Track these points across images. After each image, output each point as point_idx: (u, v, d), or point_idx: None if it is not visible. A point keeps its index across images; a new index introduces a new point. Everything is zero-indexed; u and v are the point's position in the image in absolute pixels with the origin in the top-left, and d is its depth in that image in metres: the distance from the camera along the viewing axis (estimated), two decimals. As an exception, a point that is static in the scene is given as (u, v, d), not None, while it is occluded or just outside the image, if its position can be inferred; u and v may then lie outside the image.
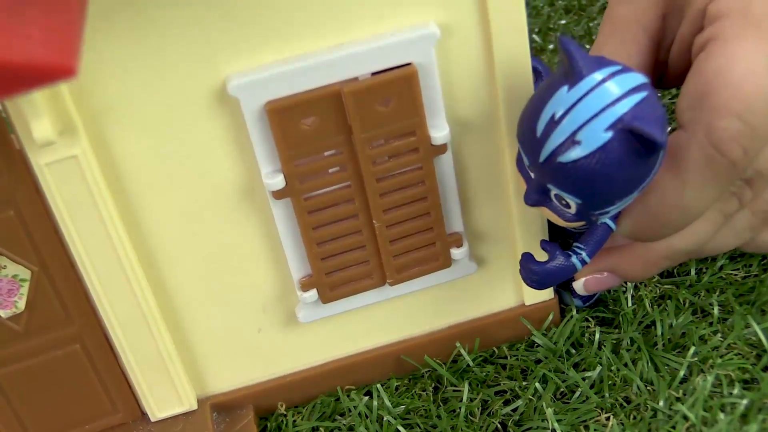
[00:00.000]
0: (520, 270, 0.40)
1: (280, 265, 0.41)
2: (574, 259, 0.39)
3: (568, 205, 0.36)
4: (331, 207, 0.39)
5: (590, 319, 0.46)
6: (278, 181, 0.37)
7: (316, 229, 0.39)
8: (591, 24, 0.64)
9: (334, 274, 0.41)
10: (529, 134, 0.35)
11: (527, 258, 0.39)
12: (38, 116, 0.33)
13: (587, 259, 0.39)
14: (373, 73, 0.36)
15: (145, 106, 0.36)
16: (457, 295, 0.44)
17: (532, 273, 0.39)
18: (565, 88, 0.34)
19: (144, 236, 0.39)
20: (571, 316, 0.45)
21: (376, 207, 0.39)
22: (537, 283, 0.39)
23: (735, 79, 0.37)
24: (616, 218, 0.39)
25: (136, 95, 0.35)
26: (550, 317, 0.45)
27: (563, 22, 0.66)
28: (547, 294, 0.45)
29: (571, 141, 0.33)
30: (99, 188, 0.36)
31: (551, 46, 0.63)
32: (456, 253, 0.41)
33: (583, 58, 0.34)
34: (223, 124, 0.37)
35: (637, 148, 0.33)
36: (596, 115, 0.33)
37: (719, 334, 0.44)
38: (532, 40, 0.64)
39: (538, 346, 0.45)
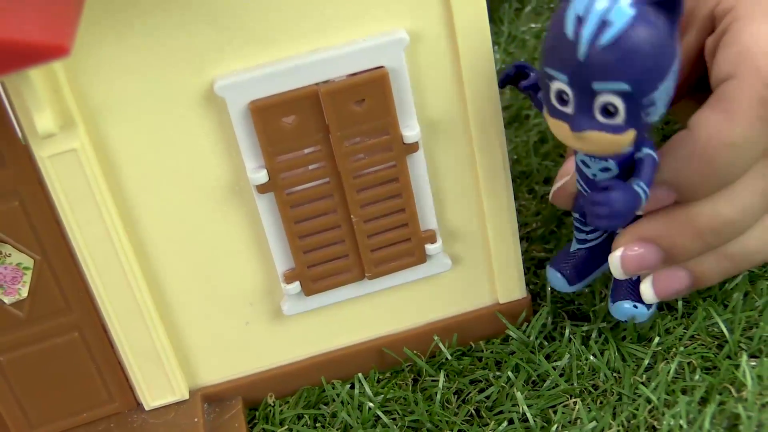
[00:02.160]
0: (587, 209, 0.40)
1: (266, 260, 0.45)
2: (635, 186, 0.39)
3: (615, 111, 0.37)
4: (312, 202, 0.43)
5: (562, 314, 0.49)
6: (262, 176, 0.41)
7: (298, 223, 0.43)
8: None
9: (315, 268, 0.44)
10: (562, 44, 0.37)
11: (591, 194, 0.40)
12: (41, 109, 0.37)
13: (645, 188, 0.39)
14: (348, 76, 0.40)
15: (139, 104, 0.40)
16: (434, 292, 0.47)
17: (597, 205, 0.39)
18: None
19: (138, 230, 0.43)
20: (544, 312, 0.48)
21: (354, 202, 0.43)
22: (606, 217, 0.39)
23: (765, 35, 0.41)
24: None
25: (131, 94, 0.39)
26: (524, 314, 0.48)
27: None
28: (520, 292, 0.48)
29: (603, 24, 0.36)
30: (97, 181, 0.40)
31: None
32: (430, 248, 0.45)
33: None
34: (211, 123, 0.41)
35: (661, 15, 0.36)
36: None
37: (683, 326, 0.47)
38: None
39: (513, 339, 0.48)
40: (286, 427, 0.46)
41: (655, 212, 0.43)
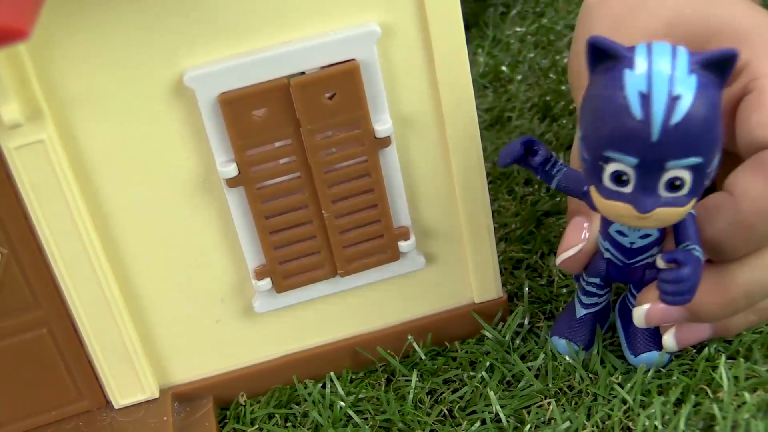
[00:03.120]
0: (661, 293, 0.39)
1: (237, 257, 0.44)
2: (696, 253, 0.39)
3: (681, 185, 0.36)
4: (283, 197, 0.43)
5: (539, 314, 0.49)
6: (231, 170, 0.41)
7: (269, 218, 0.43)
8: (557, 57, 0.69)
9: (287, 264, 0.44)
10: (627, 125, 0.35)
11: (664, 273, 0.39)
12: (7, 100, 0.37)
13: (700, 249, 0.39)
14: (320, 68, 0.40)
15: (108, 96, 0.40)
16: (408, 291, 0.47)
17: (682, 282, 0.38)
18: (626, 70, 0.35)
19: (107, 224, 0.43)
20: (520, 312, 0.48)
21: (325, 198, 0.43)
22: (686, 292, 0.39)
23: None
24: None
25: (100, 86, 0.40)
26: (500, 314, 0.48)
27: (531, 55, 0.70)
28: (496, 292, 0.48)
29: (673, 99, 0.35)
30: (65, 173, 0.40)
31: (519, 77, 0.68)
32: (404, 246, 0.45)
33: (618, 44, 0.36)
34: (180, 115, 0.41)
35: (714, 78, 0.35)
36: (674, 67, 0.35)
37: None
38: (501, 72, 0.69)
39: (488, 339, 0.48)
40: (257, 426, 0.46)
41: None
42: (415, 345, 0.48)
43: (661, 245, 0.42)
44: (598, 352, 0.46)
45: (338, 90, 0.41)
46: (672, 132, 0.35)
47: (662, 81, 0.35)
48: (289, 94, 0.40)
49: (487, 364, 0.46)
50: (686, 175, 0.36)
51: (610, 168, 0.37)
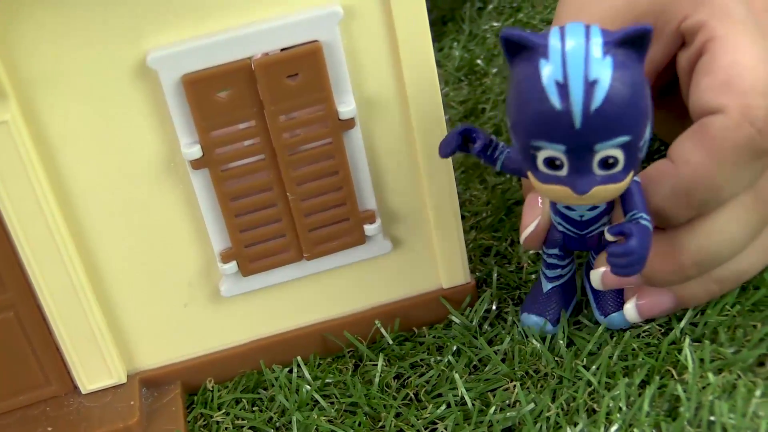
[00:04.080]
0: (616, 262, 0.39)
1: (203, 240, 0.45)
2: (642, 221, 0.39)
3: (615, 162, 0.37)
4: (247, 179, 0.43)
5: (507, 299, 0.49)
6: (195, 151, 0.42)
7: (234, 200, 0.43)
8: (533, 50, 0.69)
9: (252, 247, 0.44)
10: (549, 116, 0.36)
11: (614, 246, 0.39)
12: (-31, 80, 0.37)
13: (648, 216, 0.40)
14: (282, 49, 0.41)
15: (71, 77, 0.40)
16: (376, 276, 0.48)
17: (628, 254, 0.39)
18: (541, 60, 0.36)
19: (73, 207, 0.43)
20: (487, 297, 0.49)
21: (289, 180, 0.43)
22: (632, 265, 0.39)
23: (748, 64, 0.41)
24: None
25: (63, 67, 0.40)
26: (468, 300, 0.49)
27: (507, 49, 0.70)
28: (464, 277, 0.48)
29: (590, 84, 0.35)
30: (29, 155, 0.40)
31: (494, 70, 0.68)
32: (369, 229, 0.45)
33: (530, 34, 0.37)
34: (144, 96, 0.41)
35: (631, 53, 0.36)
36: (587, 51, 0.35)
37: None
38: (476, 65, 0.69)
39: (455, 324, 0.48)
40: (224, 411, 0.46)
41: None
42: (382, 330, 0.48)
43: (611, 213, 0.43)
44: (564, 335, 0.46)
45: (301, 71, 0.41)
46: (594, 117, 0.35)
47: (577, 67, 0.35)
48: (253, 76, 0.41)
49: (454, 348, 0.47)
50: (618, 153, 0.37)
51: (542, 155, 0.37)
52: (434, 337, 0.48)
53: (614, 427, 0.41)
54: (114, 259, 0.45)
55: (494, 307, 0.49)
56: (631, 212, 0.40)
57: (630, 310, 0.45)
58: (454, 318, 0.48)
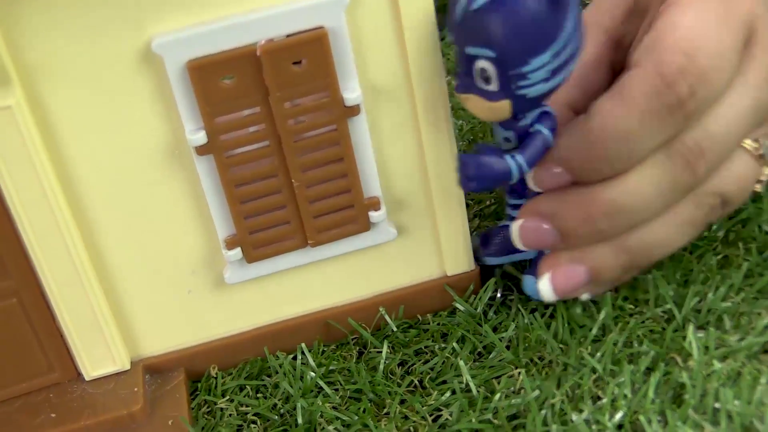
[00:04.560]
0: (457, 171, 0.42)
1: (208, 227, 0.45)
2: (508, 157, 0.41)
3: (489, 78, 0.39)
4: (252, 165, 0.43)
5: (512, 287, 0.49)
6: (200, 137, 0.42)
7: (239, 187, 0.43)
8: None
9: (257, 234, 0.44)
10: (450, 5, 0.39)
11: (461, 154, 0.42)
12: (-27, 64, 0.37)
13: (523, 163, 0.42)
14: (288, 35, 0.41)
15: (76, 62, 0.40)
16: (380, 263, 0.48)
17: (465, 166, 0.42)
18: None
19: (77, 193, 0.43)
20: (491, 284, 0.49)
21: (294, 167, 0.43)
22: (471, 179, 0.42)
23: (685, 24, 0.41)
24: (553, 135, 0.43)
25: (68, 52, 0.40)
26: (472, 287, 0.49)
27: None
28: (469, 265, 0.48)
29: None
30: (33, 141, 0.40)
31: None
32: (374, 216, 0.45)
33: None
34: (149, 82, 0.41)
35: None
36: None
37: (629, 301, 0.47)
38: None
39: (460, 311, 0.48)
40: (228, 398, 0.46)
41: (555, 191, 0.44)
42: (386, 317, 0.48)
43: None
44: (564, 320, 0.46)
45: (307, 57, 0.41)
46: (470, 17, 0.39)
47: None
48: (258, 62, 0.41)
49: (459, 335, 0.47)
50: (490, 68, 0.39)
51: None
52: (438, 324, 0.48)
53: (619, 414, 0.41)
54: (118, 246, 0.45)
55: (498, 295, 0.49)
56: (513, 150, 0.42)
57: (544, 286, 0.45)
58: (458, 305, 0.48)
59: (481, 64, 0.39)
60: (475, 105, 0.41)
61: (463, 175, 0.42)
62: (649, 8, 0.46)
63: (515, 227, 0.45)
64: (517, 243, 0.45)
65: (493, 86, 0.40)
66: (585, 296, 0.46)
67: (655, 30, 0.42)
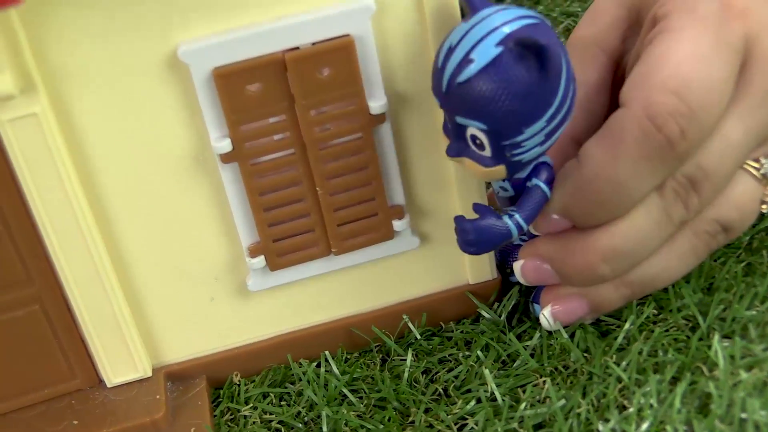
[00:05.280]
0: (456, 234, 0.42)
1: (231, 234, 0.45)
2: (506, 218, 0.41)
3: (482, 145, 0.39)
4: (277, 173, 0.43)
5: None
6: (225, 145, 0.41)
7: (263, 194, 0.43)
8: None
9: (281, 242, 0.44)
10: (435, 72, 0.38)
11: (459, 218, 0.41)
12: (0, 71, 0.37)
13: (522, 222, 0.41)
14: (314, 43, 0.41)
15: (102, 70, 0.40)
16: (403, 271, 0.48)
17: (464, 232, 0.41)
18: (462, 23, 0.38)
19: (101, 200, 0.43)
20: (518, 291, 0.49)
21: (319, 174, 0.43)
22: (471, 245, 0.41)
23: (675, 59, 0.40)
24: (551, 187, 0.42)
25: (94, 59, 0.40)
26: (494, 295, 0.49)
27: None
28: (491, 273, 0.48)
29: (466, 60, 0.37)
30: (58, 148, 0.40)
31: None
32: (398, 224, 0.45)
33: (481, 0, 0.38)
34: (174, 90, 0.41)
35: (529, 61, 0.36)
36: (487, 34, 0.37)
37: (653, 307, 0.47)
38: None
39: (483, 319, 0.48)
40: (251, 405, 0.46)
41: (555, 234, 0.44)
42: (410, 325, 0.48)
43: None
44: (590, 330, 0.46)
45: (333, 65, 0.41)
46: (456, 90, 0.37)
47: (469, 41, 0.37)
48: (284, 69, 0.40)
49: (483, 343, 0.47)
50: (482, 137, 0.38)
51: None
52: (462, 332, 0.48)
53: (645, 424, 0.41)
54: (141, 253, 0.44)
55: (522, 303, 0.49)
56: (511, 208, 0.41)
57: (545, 317, 0.46)
58: (483, 313, 0.48)
59: (473, 131, 0.38)
60: (470, 167, 0.40)
61: (463, 240, 0.41)
62: (643, 23, 0.45)
63: (517, 267, 0.45)
64: (520, 280, 0.46)
65: (486, 152, 0.39)
66: (588, 320, 0.47)
67: (644, 63, 0.41)
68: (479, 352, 0.46)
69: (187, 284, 0.46)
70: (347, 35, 0.41)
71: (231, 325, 0.47)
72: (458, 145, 0.40)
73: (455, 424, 0.43)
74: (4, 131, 0.39)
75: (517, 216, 0.41)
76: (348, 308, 0.48)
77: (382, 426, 0.44)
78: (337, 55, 0.41)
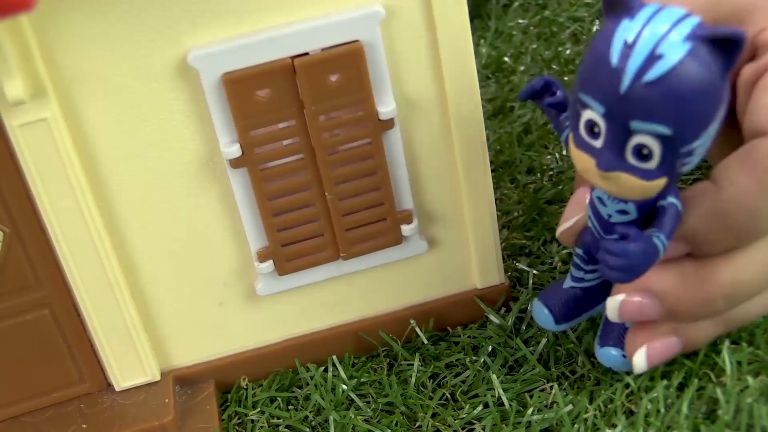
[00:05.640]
0: (600, 262, 0.38)
1: (240, 239, 0.45)
2: (654, 239, 0.37)
3: (650, 155, 0.35)
4: (286, 178, 0.43)
5: (542, 301, 0.49)
6: (235, 150, 0.42)
7: (272, 199, 0.43)
8: (560, 48, 0.69)
9: (289, 246, 0.45)
10: (603, 71, 0.35)
11: (606, 242, 0.37)
12: (11, 77, 0.38)
13: (665, 241, 0.37)
14: (323, 49, 0.41)
15: (111, 76, 0.40)
16: (411, 275, 0.48)
17: (612, 255, 0.37)
18: (627, 19, 0.35)
19: (110, 204, 0.43)
20: (523, 298, 0.49)
21: (328, 179, 0.43)
22: (621, 270, 0.37)
23: None
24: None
25: (104, 65, 0.40)
26: (502, 300, 0.49)
27: (534, 46, 0.71)
28: (499, 278, 0.49)
29: (653, 57, 0.34)
30: (68, 152, 0.41)
31: (522, 68, 0.68)
32: (406, 229, 0.45)
33: None
34: (184, 95, 0.41)
35: (717, 56, 0.34)
36: (670, 29, 0.34)
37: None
38: (503, 63, 0.69)
39: (490, 324, 0.48)
40: (259, 409, 0.47)
41: (666, 264, 0.40)
42: (417, 329, 0.48)
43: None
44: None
45: (342, 71, 0.41)
46: (641, 89, 0.34)
47: (652, 37, 0.34)
48: (293, 75, 0.41)
49: (490, 348, 0.47)
50: (654, 145, 0.35)
51: (585, 116, 0.36)
52: (469, 337, 0.48)
53: (653, 430, 0.41)
54: (150, 257, 0.45)
55: (529, 308, 0.49)
56: (652, 229, 0.38)
57: (639, 361, 0.42)
58: (492, 317, 0.48)
59: (645, 140, 0.35)
60: (623, 183, 0.36)
61: (608, 265, 0.37)
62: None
63: (615, 303, 0.41)
64: (613, 318, 0.42)
65: (652, 164, 0.35)
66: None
67: None
68: (486, 357, 0.46)
69: (196, 288, 0.46)
70: (356, 41, 0.41)
71: (239, 329, 0.47)
72: (613, 156, 0.36)
73: (462, 429, 0.44)
74: (14, 136, 0.40)
75: (661, 235, 0.38)
76: (356, 313, 0.48)
77: (389, 430, 0.44)
78: (347, 61, 0.41)
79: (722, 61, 0.34)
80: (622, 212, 0.39)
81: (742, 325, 0.44)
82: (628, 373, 0.44)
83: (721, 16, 0.42)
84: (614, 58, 0.34)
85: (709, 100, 0.35)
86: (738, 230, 0.39)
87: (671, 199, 0.38)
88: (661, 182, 0.36)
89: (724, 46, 0.34)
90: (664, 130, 0.34)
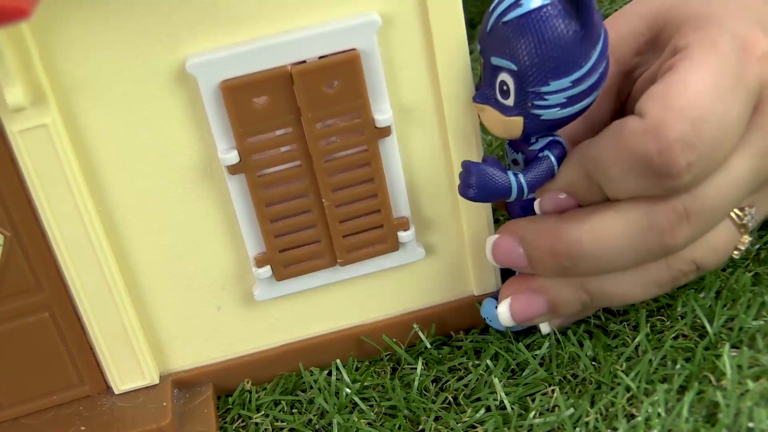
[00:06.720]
0: (459, 181, 0.43)
1: (238, 244, 0.46)
2: (510, 174, 0.43)
3: (507, 92, 0.41)
4: (283, 185, 0.44)
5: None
6: (233, 157, 0.43)
7: (269, 206, 0.44)
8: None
9: (287, 252, 0.46)
10: (485, 17, 0.42)
11: (466, 162, 0.43)
12: (11, 83, 0.39)
13: (525, 184, 0.43)
14: (320, 57, 0.42)
15: (111, 82, 0.41)
16: (409, 281, 0.49)
17: (467, 173, 0.43)
18: None
19: (109, 210, 0.44)
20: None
21: (325, 186, 0.44)
22: (470, 186, 0.43)
23: (695, 89, 0.41)
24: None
25: (103, 72, 0.41)
26: (500, 305, 0.50)
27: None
28: (496, 285, 0.50)
29: (516, 4, 0.40)
30: (68, 158, 0.42)
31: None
32: (403, 236, 0.46)
33: None
34: (182, 102, 0.42)
35: (570, 19, 0.40)
36: None
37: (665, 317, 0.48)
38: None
39: (492, 329, 0.49)
40: (263, 412, 0.48)
41: (534, 216, 0.45)
42: (420, 334, 0.49)
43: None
44: (598, 339, 0.47)
45: (339, 79, 0.42)
46: (499, 29, 0.41)
47: None
48: (291, 83, 0.42)
49: (492, 352, 0.48)
50: (510, 82, 0.41)
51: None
52: (471, 341, 0.49)
53: (653, 433, 0.42)
54: (149, 262, 0.46)
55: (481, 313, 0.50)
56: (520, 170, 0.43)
57: (503, 311, 0.46)
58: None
59: (503, 76, 0.41)
60: (490, 117, 0.43)
61: (464, 182, 0.43)
62: (664, 47, 0.45)
63: (490, 241, 0.46)
64: (489, 257, 0.46)
65: (509, 101, 0.42)
66: (545, 329, 0.48)
67: (665, 84, 0.41)
68: (488, 361, 0.48)
69: (195, 293, 0.47)
70: (353, 49, 0.42)
71: (237, 333, 0.48)
72: (486, 92, 0.43)
73: (464, 432, 0.45)
74: (15, 142, 0.41)
75: (521, 177, 0.43)
76: (354, 318, 0.49)
77: (392, 434, 0.45)
78: (344, 69, 0.42)
79: (579, 24, 0.40)
80: (515, 162, 0.45)
81: (608, 305, 0.47)
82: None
83: (662, 23, 0.46)
84: (493, 4, 0.41)
85: (556, 50, 0.40)
86: (594, 178, 0.43)
87: (547, 152, 0.44)
88: (517, 120, 0.42)
89: (576, 6, 0.40)
90: (511, 65, 0.41)
